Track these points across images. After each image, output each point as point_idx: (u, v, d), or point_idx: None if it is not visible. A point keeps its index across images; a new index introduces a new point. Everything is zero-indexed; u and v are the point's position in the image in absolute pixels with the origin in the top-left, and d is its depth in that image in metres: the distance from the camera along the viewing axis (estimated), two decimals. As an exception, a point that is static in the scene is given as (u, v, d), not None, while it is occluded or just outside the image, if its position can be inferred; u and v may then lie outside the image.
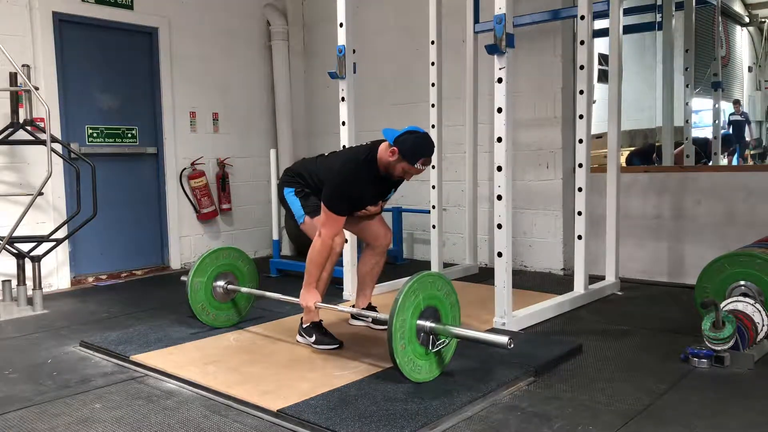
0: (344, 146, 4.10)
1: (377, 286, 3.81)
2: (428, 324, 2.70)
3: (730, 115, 6.26)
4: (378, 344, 3.23)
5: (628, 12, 4.78)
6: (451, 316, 2.83)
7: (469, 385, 2.63)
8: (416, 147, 3.08)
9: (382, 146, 3.18)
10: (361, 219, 3.43)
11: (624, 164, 5.64)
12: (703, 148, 5.58)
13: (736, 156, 6.17)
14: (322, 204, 3.16)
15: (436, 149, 4.67)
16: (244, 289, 3.68)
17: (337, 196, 3.12)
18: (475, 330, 2.83)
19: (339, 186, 3.14)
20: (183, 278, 3.65)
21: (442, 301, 2.79)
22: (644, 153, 5.68)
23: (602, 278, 4.50)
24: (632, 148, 5.74)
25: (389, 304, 2.66)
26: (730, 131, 6.19)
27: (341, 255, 3.37)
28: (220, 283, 3.64)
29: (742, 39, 6.58)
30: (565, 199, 5.03)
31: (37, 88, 4.60)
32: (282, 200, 3.44)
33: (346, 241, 3.98)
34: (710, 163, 5.59)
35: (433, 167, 4.74)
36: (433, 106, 4.74)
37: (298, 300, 3.22)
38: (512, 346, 2.59)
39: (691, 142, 5.44)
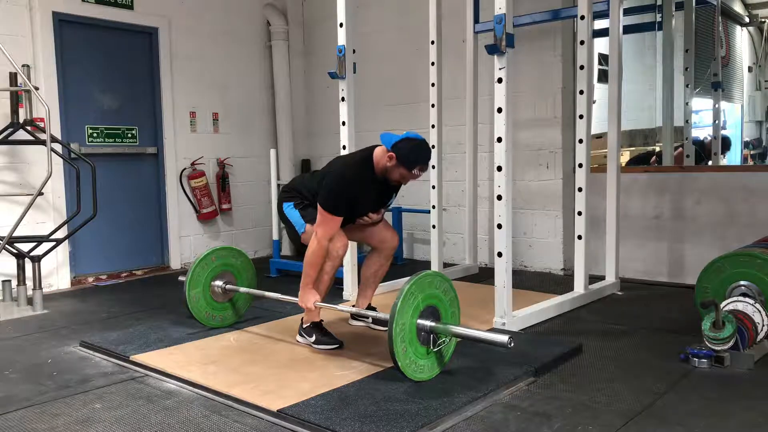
0: (343, 146, 4.12)
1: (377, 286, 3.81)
2: (428, 323, 2.71)
3: None
4: (378, 344, 3.23)
5: (628, 12, 4.77)
6: (451, 313, 2.83)
7: (469, 385, 2.63)
8: (413, 154, 3.09)
9: (379, 150, 3.20)
10: (365, 227, 3.44)
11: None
12: (701, 147, 5.57)
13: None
14: (318, 205, 3.15)
15: (435, 149, 4.72)
16: (242, 289, 3.65)
17: (333, 195, 3.12)
18: (475, 329, 2.83)
19: (335, 185, 3.14)
20: (180, 278, 3.62)
21: (441, 299, 2.80)
22: (642, 161, 5.67)
23: (602, 278, 4.50)
24: (630, 157, 5.73)
25: (389, 304, 2.66)
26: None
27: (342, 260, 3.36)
28: (218, 283, 3.62)
29: (742, 39, 6.57)
30: (565, 199, 5.03)
31: (37, 88, 4.59)
32: (282, 216, 3.45)
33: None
34: (710, 163, 5.59)
35: (433, 167, 4.74)
36: (433, 106, 4.74)
37: (297, 300, 3.22)
38: (512, 345, 2.59)
39: (691, 142, 5.44)
